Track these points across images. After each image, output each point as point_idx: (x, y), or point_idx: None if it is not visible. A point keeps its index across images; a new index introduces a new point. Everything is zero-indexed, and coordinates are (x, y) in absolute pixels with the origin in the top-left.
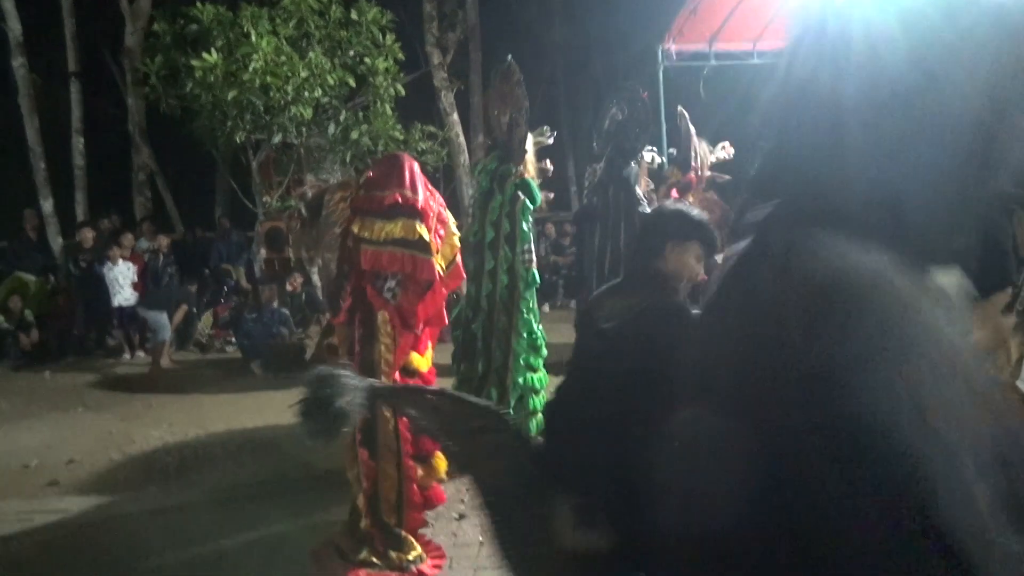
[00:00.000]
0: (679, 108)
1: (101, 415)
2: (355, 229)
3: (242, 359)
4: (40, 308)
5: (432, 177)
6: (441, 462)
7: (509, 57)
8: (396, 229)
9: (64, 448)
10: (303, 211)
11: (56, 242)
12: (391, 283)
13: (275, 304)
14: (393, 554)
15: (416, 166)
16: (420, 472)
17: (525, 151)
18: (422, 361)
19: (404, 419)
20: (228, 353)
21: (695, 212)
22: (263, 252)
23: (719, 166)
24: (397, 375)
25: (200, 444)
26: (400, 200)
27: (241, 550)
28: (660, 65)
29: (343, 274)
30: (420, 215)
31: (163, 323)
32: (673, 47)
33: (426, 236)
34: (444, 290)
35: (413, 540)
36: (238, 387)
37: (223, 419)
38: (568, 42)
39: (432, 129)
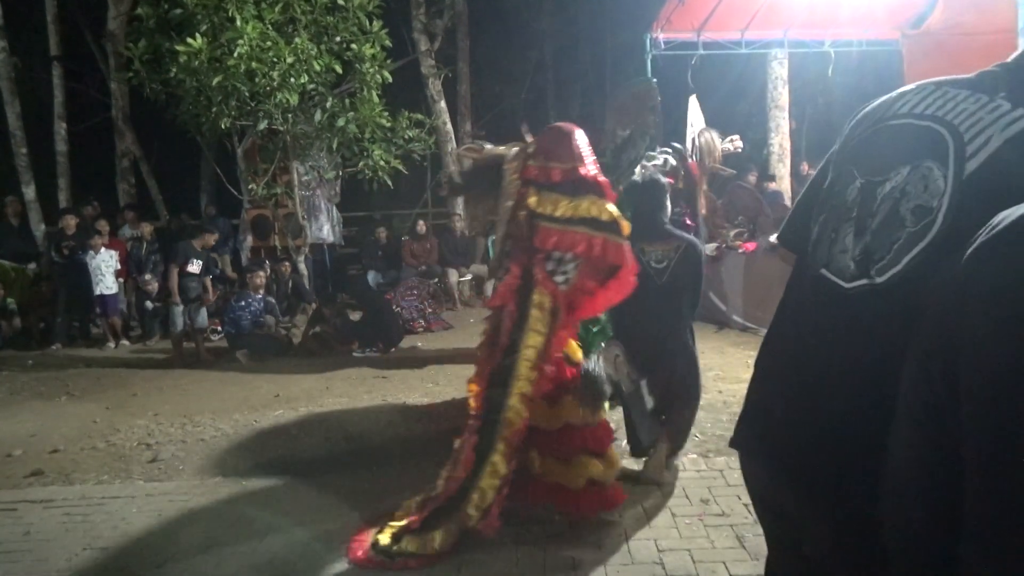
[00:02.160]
0: (692, 98)
1: (85, 404)
2: (531, 203)
3: (227, 347)
4: (22, 296)
5: (419, 165)
6: (594, 465)
7: (653, 80)
8: (586, 207)
9: (48, 437)
10: (454, 178)
11: (39, 229)
12: (569, 266)
13: (262, 292)
14: (407, 538)
15: (585, 137)
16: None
17: (632, 172)
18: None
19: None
20: (213, 341)
21: (655, 173)
22: (249, 240)
23: (724, 159)
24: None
25: (185, 433)
26: (586, 175)
27: (228, 537)
28: (648, 54)
29: (505, 252)
30: (605, 192)
31: (176, 312)
32: (661, 36)
33: (617, 216)
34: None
35: (432, 539)
36: (223, 376)
37: (208, 408)
38: (556, 30)
39: (419, 117)
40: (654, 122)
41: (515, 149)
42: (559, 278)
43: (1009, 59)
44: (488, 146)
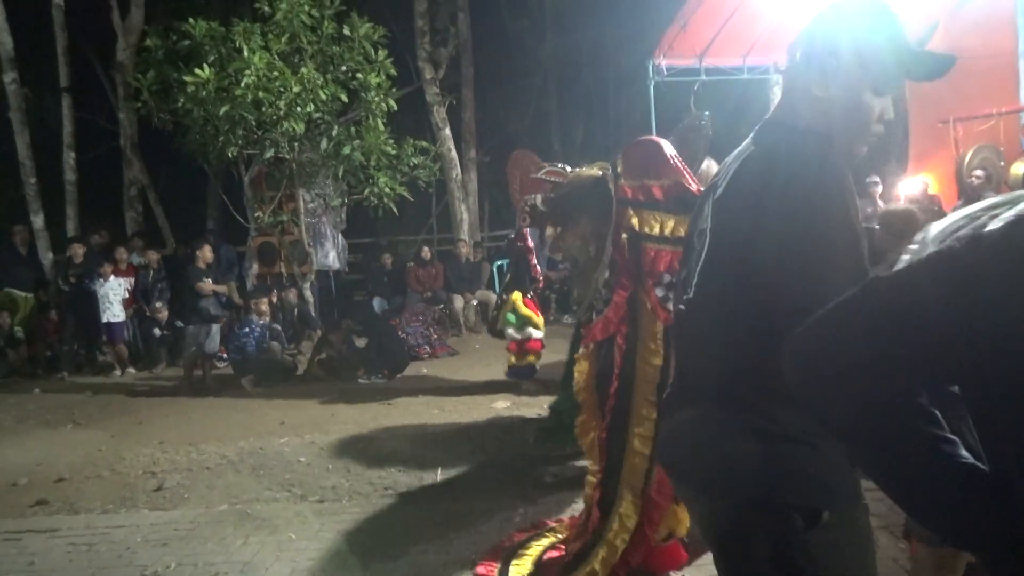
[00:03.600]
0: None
1: (91, 432)
2: (634, 224)
3: (233, 374)
4: (30, 324)
5: (424, 192)
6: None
7: (707, 113)
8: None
9: (54, 466)
10: (538, 205)
11: (46, 257)
12: None
13: (267, 318)
14: None
15: (673, 148)
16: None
17: None
18: None
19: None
20: (219, 368)
21: None
22: (255, 267)
23: None
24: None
25: (191, 461)
26: (692, 189)
27: (233, 566)
28: (651, 80)
29: (606, 281)
30: None
31: (190, 334)
32: (663, 62)
33: None
34: None
35: None
36: (229, 403)
37: (213, 435)
38: (559, 56)
39: (424, 144)
40: (701, 149)
41: (605, 169)
42: (671, 304)
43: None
44: (569, 169)
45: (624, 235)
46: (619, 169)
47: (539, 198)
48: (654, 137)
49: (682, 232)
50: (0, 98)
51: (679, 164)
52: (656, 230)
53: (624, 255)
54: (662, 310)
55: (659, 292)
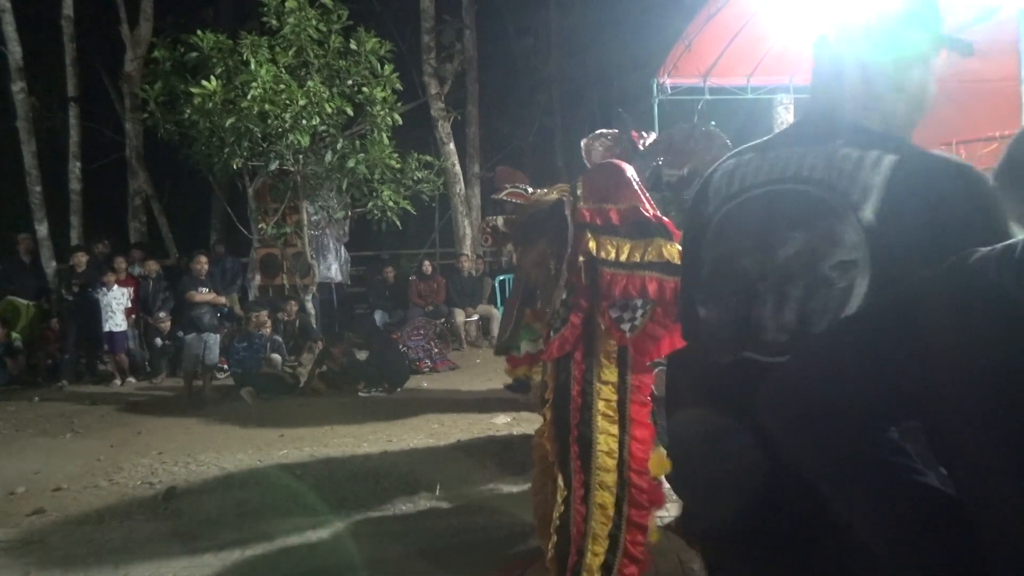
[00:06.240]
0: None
1: (90, 442)
2: (592, 248)
3: (234, 385)
4: (31, 332)
5: (428, 206)
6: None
7: (712, 123)
8: (654, 250)
9: (51, 475)
10: (500, 226)
11: (50, 266)
12: (637, 313)
13: (268, 331)
14: None
15: (636, 173)
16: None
17: None
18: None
19: (641, 438)
20: (219, 380)
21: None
22: (257, 278)
23: None
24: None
25: (189, 473)
26: (649, 215)
27: None
28: (655, 98)
29: (565, 303)
30: (672, 233)
31: (189, 344)
32: (668, 81)
33: None
34: None
35: None
36: (228, 415)
37: (212, 447)
38: (564, 74)
39: (428, 158)
40: (715, 159)
41: (565, 192)
42: (625, 326)
43: (810, 111)
44: (530, 190)
45: (581, 258)
46: (579, 192)
47: (501, 219)
48: (616, 161)
49: (637, 257)
50: (8, 107)
51: (638, 189)
52: (612, 255)
53: (581, 278)
54: (616, 330)
55: (613, 313)
